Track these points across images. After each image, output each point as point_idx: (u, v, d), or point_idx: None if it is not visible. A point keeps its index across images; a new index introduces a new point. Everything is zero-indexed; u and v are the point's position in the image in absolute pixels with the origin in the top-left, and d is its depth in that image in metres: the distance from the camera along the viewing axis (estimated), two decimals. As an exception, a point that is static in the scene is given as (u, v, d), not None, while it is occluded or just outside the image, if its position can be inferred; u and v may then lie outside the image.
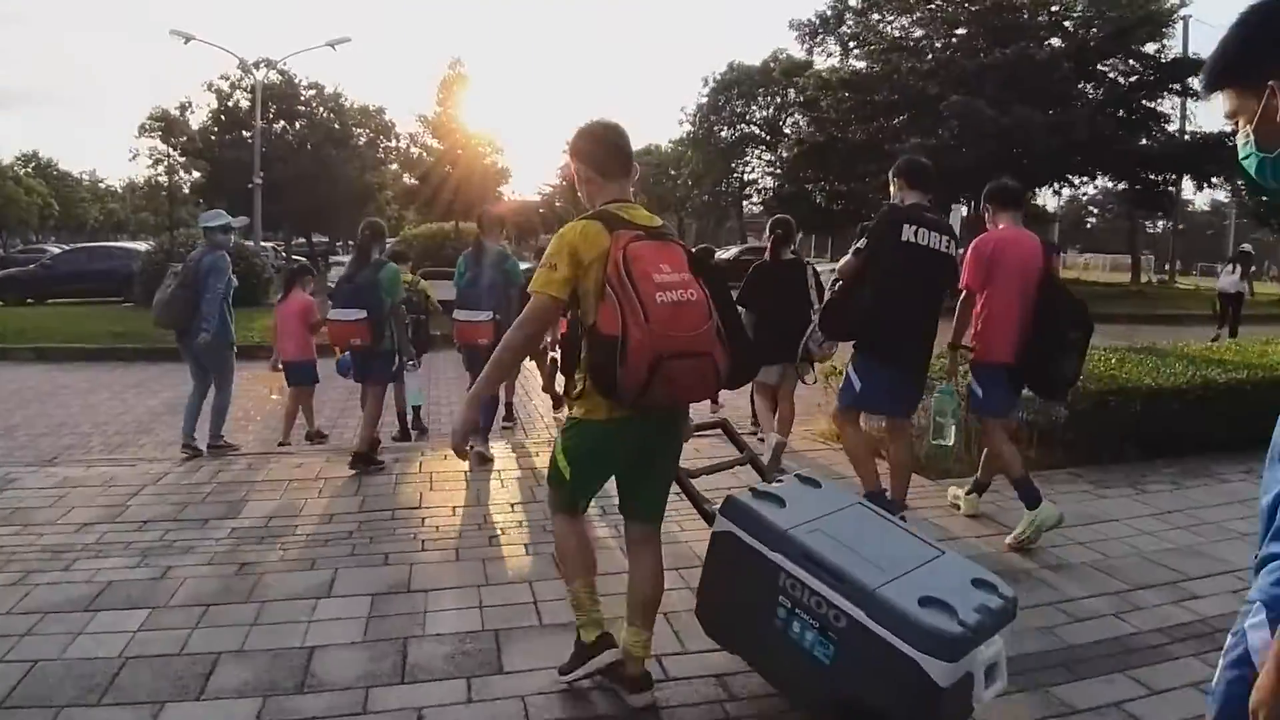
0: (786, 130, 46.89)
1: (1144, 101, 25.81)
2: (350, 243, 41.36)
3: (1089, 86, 25.30)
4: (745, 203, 53.60)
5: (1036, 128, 21.83)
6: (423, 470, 5.78)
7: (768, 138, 48.92)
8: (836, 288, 4.40)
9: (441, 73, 17.33)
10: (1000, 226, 4.39)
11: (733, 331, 2.68)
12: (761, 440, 5.93)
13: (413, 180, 18.05)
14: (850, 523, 2.68)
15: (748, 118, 49.47)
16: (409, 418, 7.41)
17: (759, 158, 50.02)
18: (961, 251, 4.40)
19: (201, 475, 5.70)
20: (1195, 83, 23.57)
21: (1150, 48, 25.33)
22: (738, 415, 6.37)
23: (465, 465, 5.69)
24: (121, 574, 3.94)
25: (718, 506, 2.81)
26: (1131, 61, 25.75)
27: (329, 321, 5.98)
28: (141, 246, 21.45)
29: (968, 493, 4.82)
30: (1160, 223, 35.22)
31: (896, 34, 28.57)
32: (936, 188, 4.41)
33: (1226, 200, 38.69)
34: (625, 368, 2.38)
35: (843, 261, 4.36)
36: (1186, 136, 25.34)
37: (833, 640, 2.41)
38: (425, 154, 17.47)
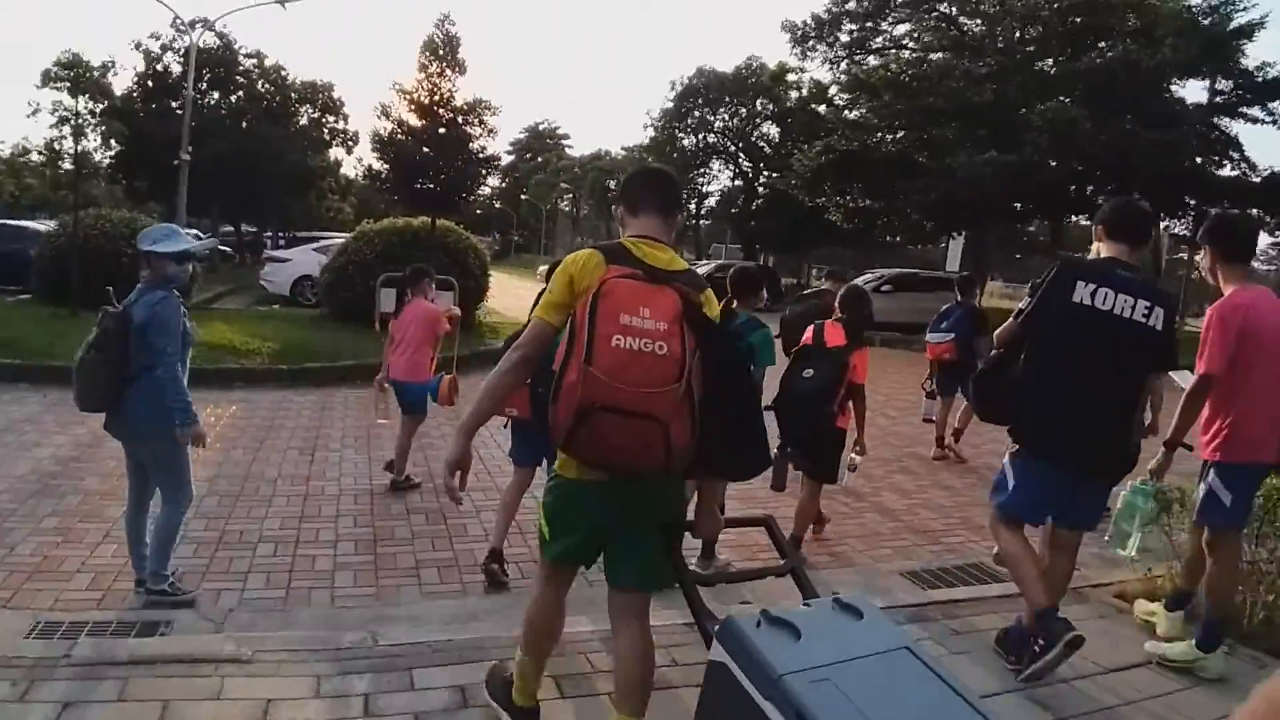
0: (755, 140, 45.05)
1: (1228, 123, 22.94)
2: (282, 235, 37.10)
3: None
4: (700, 218, 51.59)
5: (1139, 147, 18.73)
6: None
7: (732, 148, 47.05)
8: (991, 357, 3.76)
9: (426, 33, 14.37)
10: (1228, 282, 3.59)
11: (733, 411, 2.34)
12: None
13: (381, 164, 15.02)
14: (878, 674, 2.00)
15: (713, 126, 47.51)
16: None
17: (725, 168, 48.01)
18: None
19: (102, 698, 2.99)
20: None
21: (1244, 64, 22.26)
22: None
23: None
24: None
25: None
26: (1217, 79, 22.65)
27: None
28: (43, 227, 17.75)
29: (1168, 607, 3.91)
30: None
31: (954, 30, 25.64)
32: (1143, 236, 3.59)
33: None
34: (555, 406, 2.22)
35: (1003, 326, 3.69)
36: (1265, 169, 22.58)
37: None
38: (399, 131, 14.56)
